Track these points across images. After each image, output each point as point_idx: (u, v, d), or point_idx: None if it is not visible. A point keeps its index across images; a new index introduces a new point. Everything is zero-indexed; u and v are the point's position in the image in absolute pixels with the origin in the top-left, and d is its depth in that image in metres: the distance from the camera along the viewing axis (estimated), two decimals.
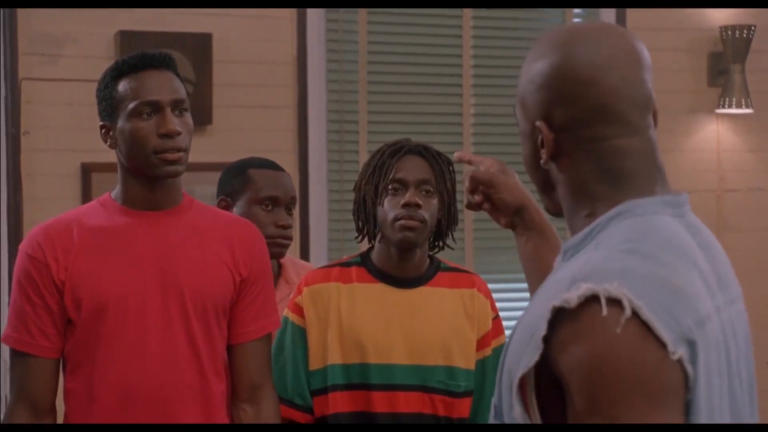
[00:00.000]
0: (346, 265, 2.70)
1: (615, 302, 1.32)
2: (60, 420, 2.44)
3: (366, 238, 2.71)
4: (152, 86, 2.37)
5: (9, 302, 2.44)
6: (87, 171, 4.47)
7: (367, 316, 2.61)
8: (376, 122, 4.95)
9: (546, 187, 1.59)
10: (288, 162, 4.65)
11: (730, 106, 5.18)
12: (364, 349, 2.59)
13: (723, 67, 5.22)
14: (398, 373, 2.59)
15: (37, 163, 4.44)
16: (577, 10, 5.19)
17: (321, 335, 2.63)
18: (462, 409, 2.63)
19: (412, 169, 2.61)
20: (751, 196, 5.41)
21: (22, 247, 2.41)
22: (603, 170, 1.50)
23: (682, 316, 1.34)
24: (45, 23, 4.46)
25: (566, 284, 1.38)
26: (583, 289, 1.34)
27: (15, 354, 2.41)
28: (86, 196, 4.41)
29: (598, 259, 1.40)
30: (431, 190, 2.62)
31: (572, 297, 1.34)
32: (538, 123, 1.52)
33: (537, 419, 1.40)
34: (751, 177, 5.41)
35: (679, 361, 1.33)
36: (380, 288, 2.65)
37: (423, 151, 2.64)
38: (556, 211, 1.60)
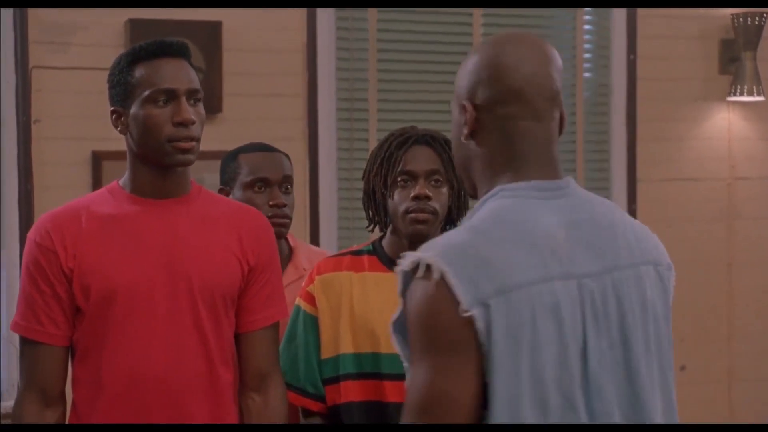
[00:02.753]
0: (358, 253, 2.69)
1: (430, 268, 1.66)
2: (68, 408, 2.44)
3: (378, 227, 2.70)
4: (169, 74, 2.37)
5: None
6: (98, 159, 4.47)
7: (378, 305, 2.60)
8: (385, 110, 4.93)
9: (466, 164, 1.85)
10: (297, 150, 4.64)
11: (741, 94, 5.16)
12: (376, 339, 2.58)
13: (734, 55, 5.20)
14: None
15: (47, 152, 4.44)
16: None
17: (333, 324, 2.62)
18: None
19: (421, 160, 2.60)
20: (762, 185, 5.39)
21: (31, 234, 2.41)
22: (506, 148, 1.78)
23: (482, 283, 1.64)
24: (55, 12, 4.45)
25: None
26: (411, 257, 1.70)
27: (24, 342, 2.41)
28: (97, 184, 4.40)
29: (448, 234, 1.74)
30: (441, 179, 2.60)
31: (406, 263, 1.71)
32: (464, 102, 1.82)
33: (406, 355, 1.73)
34: (763, 165, 5.39)
35: (471, 319, 1.62)
36: (392, 277, 2.63)
37: (430, 141, 2.62)
38: (473, 191, 1.87)
